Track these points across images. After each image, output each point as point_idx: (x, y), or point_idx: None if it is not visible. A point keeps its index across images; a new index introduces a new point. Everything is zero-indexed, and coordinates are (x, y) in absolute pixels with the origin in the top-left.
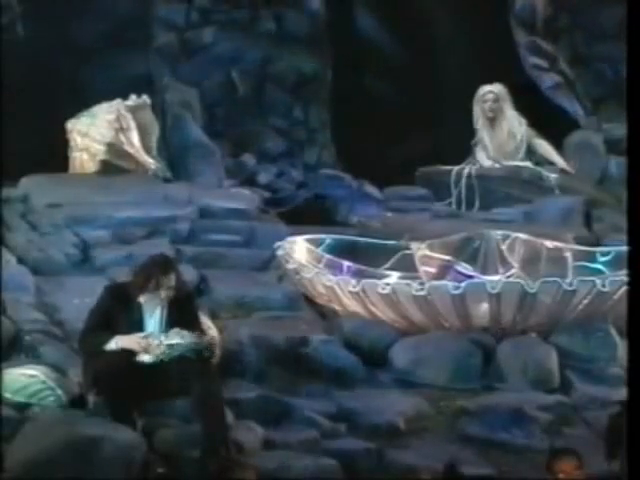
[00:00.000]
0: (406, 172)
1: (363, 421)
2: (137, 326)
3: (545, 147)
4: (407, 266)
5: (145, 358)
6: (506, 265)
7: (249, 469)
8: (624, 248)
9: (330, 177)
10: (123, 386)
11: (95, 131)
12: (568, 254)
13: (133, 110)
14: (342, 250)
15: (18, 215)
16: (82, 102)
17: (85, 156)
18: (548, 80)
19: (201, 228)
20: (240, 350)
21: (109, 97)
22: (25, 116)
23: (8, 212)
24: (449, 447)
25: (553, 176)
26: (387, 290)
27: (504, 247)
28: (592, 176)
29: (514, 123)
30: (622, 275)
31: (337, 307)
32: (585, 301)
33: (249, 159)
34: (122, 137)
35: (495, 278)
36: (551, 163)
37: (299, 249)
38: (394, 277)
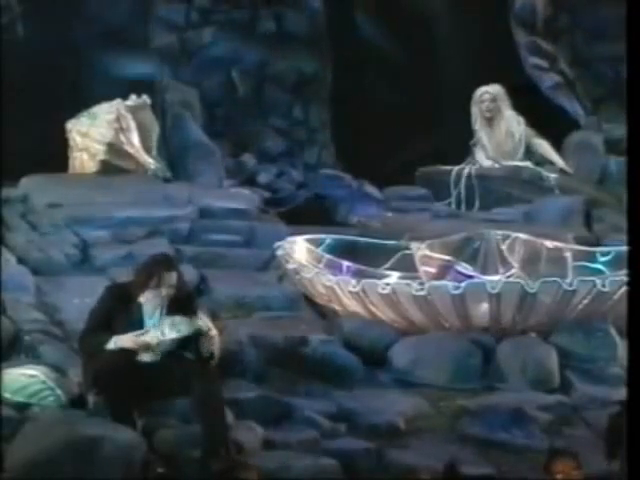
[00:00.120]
0: (406, 172)
1: (363, 421)
2: (137, 326)
3: (544, 147)
4: (407, 266)
5: (146, 357)
6: (506, 265)
7: (251, 469)
8: (624, 248)
9: (330, 177)
10: (123, 386)
11: (95, 131)
12: (568, 254)
13: (133, 110)
14: (342, 250)
15: (18, 215)
16: (82, 102)
17: (85, 156)
18: (548, 80)
19: (201, 228)
20: (240, 350)
21: (109, 97)
22: (25, 116)
23: (8, 212)
24: (449, 447)
25: (553, 176)
26: (387, 290)
27: (504, 247)
28: (592, 176)
29: (512, 123)
30: (622, 275)
31: (337, 307)
32: (585, 301)
33: (249, 159)
34: (122, 137)
35: (495, 278)
36: (551, 163)
37: (299, 249)
38: (394, 277)
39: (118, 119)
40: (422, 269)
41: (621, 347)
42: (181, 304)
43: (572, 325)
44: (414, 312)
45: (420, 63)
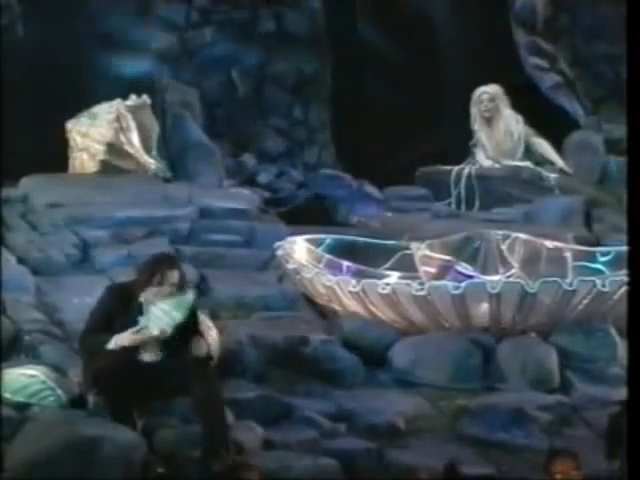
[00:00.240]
0: (406, 172)
1: (363, 421)
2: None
3: (543, 146)
4: (407, 266)
5: (147, 357)
6: (506, 265)
7: (253, 470)
8: (624, 248)
9: (330, 177)
10: (123, 386)
11: (95, 131)
12: (568, 254)
13: (133, 110)
14: (342, 250)
15: (18, 215)
16: (82, 102)
17: (85, 156)
18: (548, 80)
19: (201, 228)
20: (240, 350)
21: (109, 97)
22: (25, 116)
23: (8, 212)
24: (449, 447)
25: (553, 176)
26: (387, 290)
27: (504, 247)
28: (592, 176)
29: (511, 122)
30: (622, 275)
31: (337, 307)
32: (585, 301)
33: (249, 159)
34: (122, 137)
35: (495, 278)
36: (550, 162)
37: (299, 249)
38: (394, 277)
39: (118, 119)
40: (422, 269)
41: (621, 347)
42: None
43: (572, 325)
44: (414, 312)
45: (420, 63)
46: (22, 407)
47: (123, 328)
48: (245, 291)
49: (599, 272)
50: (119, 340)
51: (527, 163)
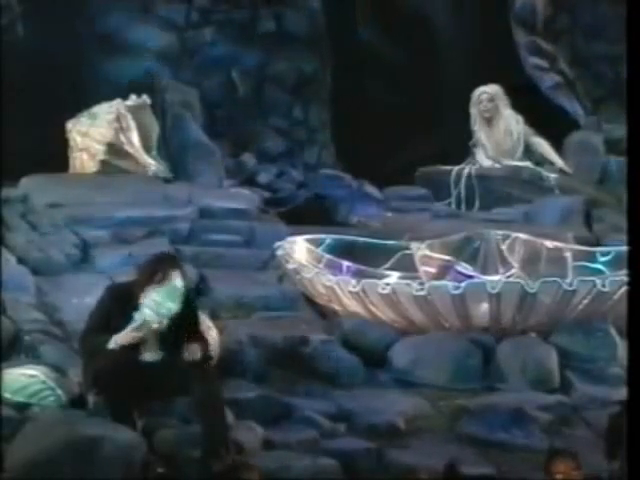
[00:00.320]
0: (406, 172)
1: (363, 421)
2: None
3: (543, 145)
4: (407, 266)
5: (147, 357)
6: (506, 265)
7: (254, 470)
8: (624, 248)
9: (330, 177)
10: (123, 386)
11: (95, 131)
12: (568, 254)
13: (133, 110)
14: (342, 250)
15: (18, 215)
16: (82, 102)
17: (85, 156)
18: (548, 80)
19: (201, 228)
20: (240, 350)
21: (109, 97)
22: (25, 116)
23: (8, 212)
24: (449, 447)
25: (553, 176)
26: (387, 290)
27: (504, 247)
28: (592, 176)
29: (511, 121)
30: (622, 275)
31: (337, 307)
32: (585, 301)
33: (249, 159)
34: (122, 137)
35: (495, 278)
36: (550, 162)
37: (299, 249)
38: (394, 277)
39: (118, 119)
40: (422, 269)
41: (621, 347)
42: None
43: (572, 325)
44: (414, 312)
45: (420, 63)
46: (22, 407)
47: (123, 328)
48: (245, 291)
49: (599, 272)
50: (118, 339)
51: (527, 163)
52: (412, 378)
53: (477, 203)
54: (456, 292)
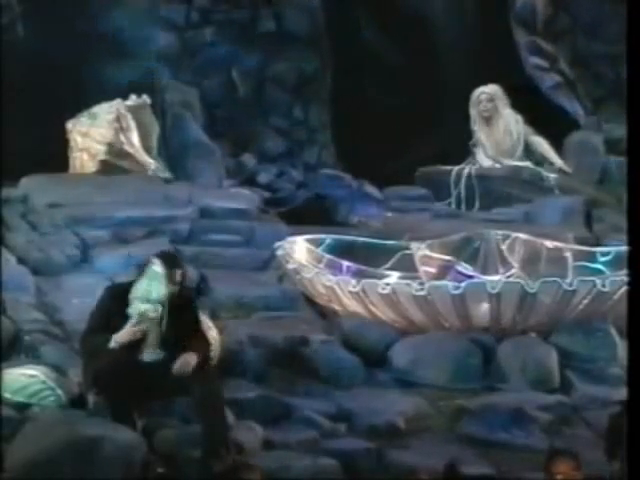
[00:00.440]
0: (406, 172)
1: (363, 421)
2: None
3: (542, 145)
4: (407, 266)
5: (147, 357)
6: (506, 265)
7: (255, 470)
8: (624, 248)
9: (330, 177)
10: (123, 386)
11: (95, 131)
12: (568, 254)
13: (133, 110)
14: (342, 250)
15: (18, 215)
16: (82, 102)
17: (85, 156)
18: (548, 80)
19: (201, 228)
20: (240, 350)
21: (109, 97)
22: (25, 116)
23: (8, 212)
24: (449, 447)
25: (553, 176)
26: (387, 290)
27: (504, 247)
28: (592, 176)
29: (510, 121)
30: (622, 275)
31: (337, 307)
32: (585, 301)
33: (249, 159)
34: (122, 137)
35: (495, 278)
36: (549, 161)
37: (299, 249)
38: (394, 277)
39: (118, 119)
40: (422, 269)
41: (621, 347)
42: (181, 306)
43: (572, 325)
44: (414, 312)
45: (420, 63)
46: (22, 407)
47: (123, 328)
48: (245, 291)
49: (599, 272)
50: (119, 338)
51: (527, 163)
52: (412, 378)
53: (477, 203)
54: (456, 292)
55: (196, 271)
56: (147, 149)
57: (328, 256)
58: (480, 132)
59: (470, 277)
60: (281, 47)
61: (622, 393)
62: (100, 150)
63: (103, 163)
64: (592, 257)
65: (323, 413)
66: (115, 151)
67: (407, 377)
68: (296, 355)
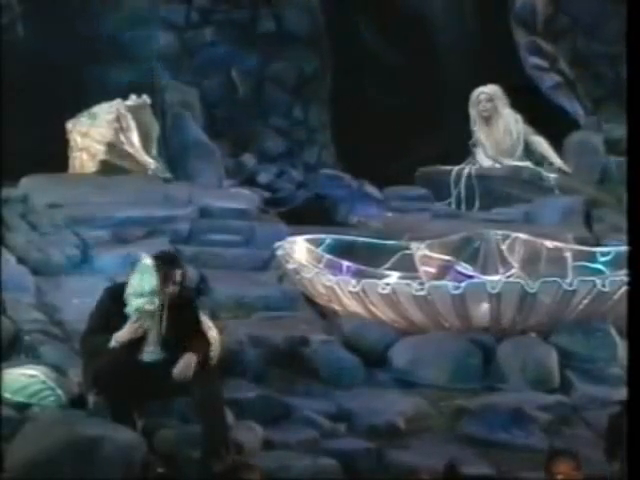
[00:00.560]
0: (406, 172)
1: (363, 421)
2: None
3: (542, 144)
4: (407, 266)
5: (147, 357)
6: (506, 265)
7: (254, 470)
8: (624, 248)
9: (330, 177)
10: (123, 386)
11: (95, 131)
12: (568, 254)
13: (133, 110)
14: (342, 250)
15: (18, 215)
16: (82, 102)
17: (85, 156)
18: (548, 80)
19: (201, 228)
20: (240, 350)
21: (109, 97)
22: (25, 116)
23: (8, 212)
24: (449, 447)
25: (553, 176)
26: (387, 290)
27: (504, 247)
28: (592, 176)
29: (510, 120)
30: (622, 275)
31: (337, 307)
32: (585, 301)
33: (249, 159)
34: (122, 137)
35: (495, 278)
36: (549, 161)
37: (299, 249)
38: (394, 277)
39: (118, 119)
40: (422, 269)
41: (621, 347)
42: (181, 306)
43: (572, 325)
44: (414, 312)
45: (420, 63)
46: (22, 407)
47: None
48: (245, 291)
49: (599, 272)
50: (119, 337)
51: (527, 163)
52: (412, 378)
53: (477, 203)
54: (456, 292)
55: (196, 271)
56: (147, 149)
57: (328, 256)
58: (480, 132)
59: (470, 277)
60: (281, 47)
61: (622, 393)
62: (100, 150)
63: (103, 163)
64: (592, 257)
65: (323, 413)
66: (115, 151)
67: (407, 377)
68: (296, 355)
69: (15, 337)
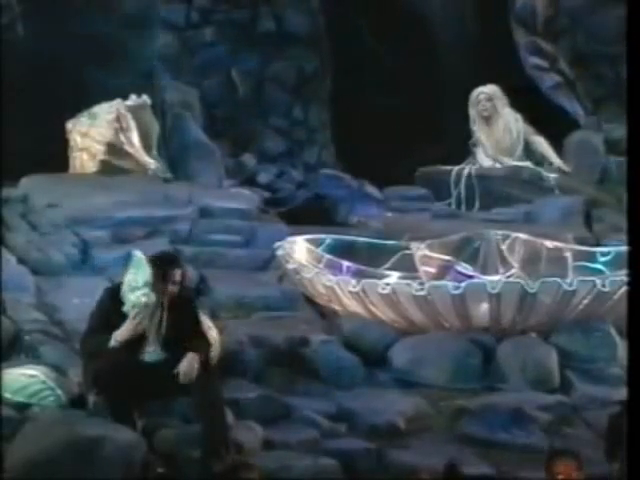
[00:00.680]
0: (406, 172)
1: (363, 421)
2: None
3: (542, 144)
4: (407, 266)
5: (147, 357)
6: (506, 265)
7: (254, 470)
8: (624, 248)
9: (330, 177)
10: (123, 386)
11: (95, 131)
12: (568, 254)
13: (133, 110)
14: (342, 250)
15: (18, 215)
16: (82, 102)
17: (85, 156)
18: (548, 80)
19: (201, 228)
20: (240, 350)
21: (109, 97)
22: (25, 116)
23: (8, 212)
24: (449, 447)
25: (553, 176)
26: (387, 290)
27: (504, 247)
28: (592, 176)
29: (510, 120)
30: (622, 275)
31: (337, 307)
32: (585, 301)
33: (249, 159)
34: (122, 137)
35: (495, 278)
36: (549, 161)
37: (299, 249)
38: (394, 277)
39: (118, 119)
40: (422, 269)
41: (621, 347)
42: (181, 306)
43: (572, 325)
44: (414, 312)
45: (420, 63)
46: (22, 407)
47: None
48: (245, 291)
49: (599, 272)
50: (119, 336)
51: (527, 163)
52: (412, 378)
53: (477, 203)
54: (456, 292)
55: (196, 271)
56: (147, 149)
57: (328, 256)
58: (480, 132)
59: (470, 277)
60: (281, 47)
61: (622, 393)
62: (100, 150)
63: (103, 163)
64: (592, 257)
65: (323, 413)
66: (115, 151)
67: (407, 377)
68: (296, 355)
69: (15, 337)
